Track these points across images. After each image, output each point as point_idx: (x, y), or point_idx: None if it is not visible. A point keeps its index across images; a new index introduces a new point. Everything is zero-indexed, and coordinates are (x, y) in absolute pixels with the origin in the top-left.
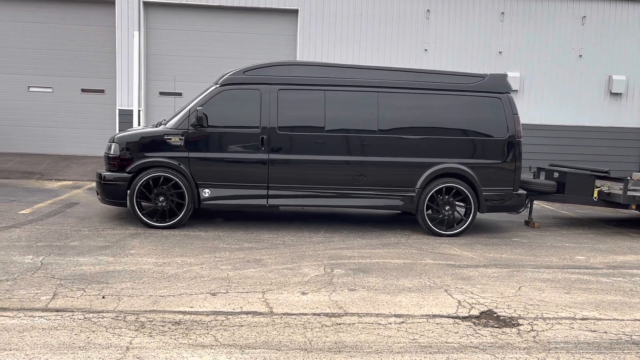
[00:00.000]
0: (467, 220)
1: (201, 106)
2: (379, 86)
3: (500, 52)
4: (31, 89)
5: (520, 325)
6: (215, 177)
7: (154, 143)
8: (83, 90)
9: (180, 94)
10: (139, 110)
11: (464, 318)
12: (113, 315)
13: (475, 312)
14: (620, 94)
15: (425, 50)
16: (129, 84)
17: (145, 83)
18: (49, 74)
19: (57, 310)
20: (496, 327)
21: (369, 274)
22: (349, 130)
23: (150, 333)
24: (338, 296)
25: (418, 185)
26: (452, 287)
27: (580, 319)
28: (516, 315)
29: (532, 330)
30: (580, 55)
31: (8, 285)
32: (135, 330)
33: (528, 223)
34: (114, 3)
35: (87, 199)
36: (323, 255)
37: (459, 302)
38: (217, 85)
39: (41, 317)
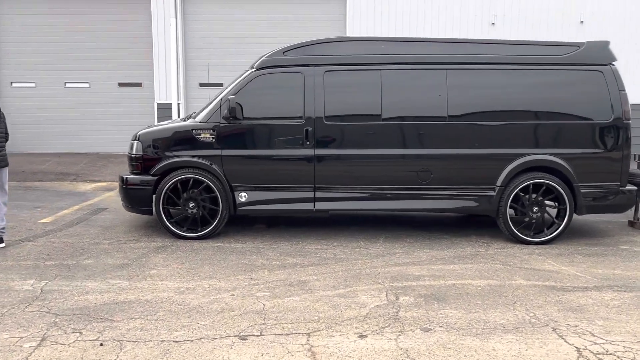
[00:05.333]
0: (560, 224)
1: (234, 95)
2: (448, 62)
3: (582, 21)
4: (67, 85)
5: None
6: (252, 179)
7: (181, 140)
8: (120, 85)
9: (221, 85)
10: (179, 104)
11: None
12: None
13: None
14: None
15: (493, 24)
16: (167, 76)
17: (184, 74)
18: (85, 68)
19: None
20: None
21: (445, 302)
22: (412, 118)
23: None
24: (408, 341)
25: (499, 183)
26: (561, 324)
27: None
28: None
29: None
30: None
31: None
32: None
33: (634, 224)
34: None
35: (118, 203)
36: (384, 274)
37: (579, 350)
38: (253, 70)
39: None
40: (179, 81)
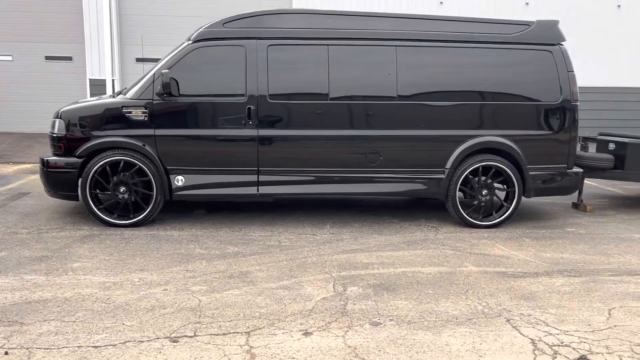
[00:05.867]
0: (509, 207)
1: (168, 69)
2: (398, 38)
3: (527, 3)
4: None
5: None
6: (190, 161)
7: (109, 118)
8: (47, 58)
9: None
10: (113, 80)
11: None
12: None
13: None
14: None
15: (441, 3)
16: (100, 50)
17: (118, 48)
18: (7, 39)
19: None
20: None
21: (395, 293)
22: (360, 97)
23: None
24: (357, 337)
25: (448, 165)
26: (514, 314)
27: None
28: None
29: None
30: (619, 6)
31: None
32: None
33: (577, 206)
34: None
35: (42, 188)
36: (331, 262)
37: (534, 342)
38: (190, 42)
39: None
40: (113, 56)
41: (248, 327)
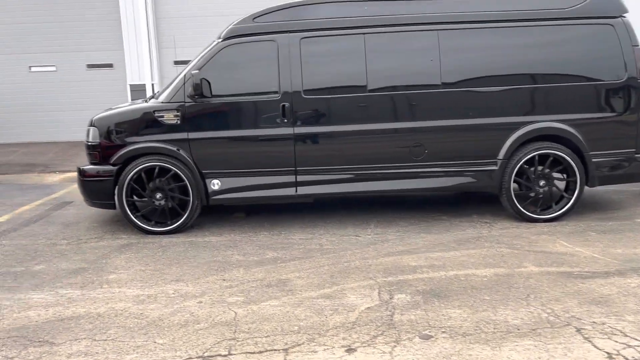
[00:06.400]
0: (570, 198)
1: (199, 69)
2: (440, 22)
3: None
4: (33, 69)
5: None
6: (225, 164)
7: (142, 123)
8: (89, 66)
9: None
10: (153, 84)
11: None
12: None
13: None
14: None
15: None
16: (138, 55)
17: (157, 52)
18: (50, 50)
19: None
20: None
21: (447, 300)
22: (401, 87)
23: None
24: (405, 353)
25: (501, 155)
26: (585, 322)
27: None
28: None
29: None
30: None
31: None
32: None
33: None
34: None
35: None
36: (376, 266)
37: (611, 356)
38: (220, 40)
39: None
40: (152, 60)
41: (286, 344)
